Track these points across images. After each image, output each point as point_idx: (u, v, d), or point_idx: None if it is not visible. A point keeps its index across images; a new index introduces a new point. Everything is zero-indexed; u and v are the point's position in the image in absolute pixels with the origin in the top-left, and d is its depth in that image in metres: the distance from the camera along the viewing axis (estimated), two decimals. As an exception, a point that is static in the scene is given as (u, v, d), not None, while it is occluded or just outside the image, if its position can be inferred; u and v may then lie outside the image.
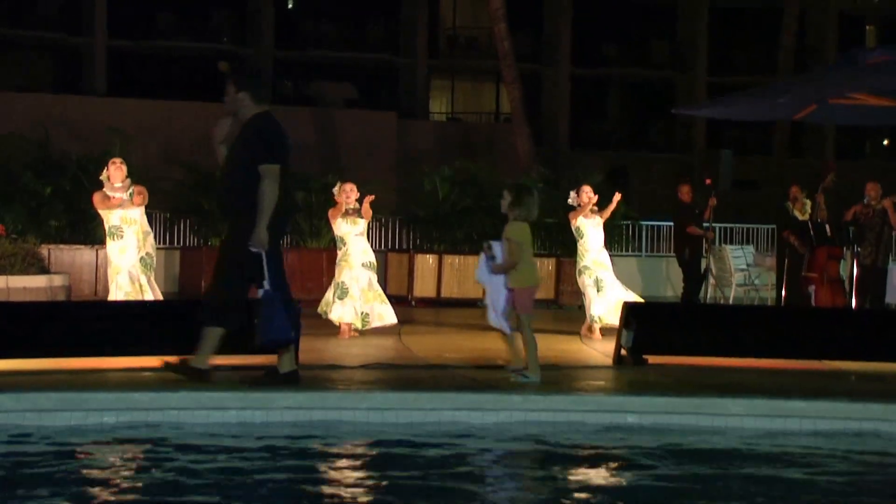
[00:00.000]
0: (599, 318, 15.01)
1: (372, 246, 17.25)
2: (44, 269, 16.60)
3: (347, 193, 14.71)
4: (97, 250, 19.11)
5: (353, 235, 14.75)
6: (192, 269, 20.42)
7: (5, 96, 33.83)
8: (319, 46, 41.53)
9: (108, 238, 13.38)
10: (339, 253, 14.84)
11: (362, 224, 14.82)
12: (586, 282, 15.18)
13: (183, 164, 21.79)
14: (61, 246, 19.65)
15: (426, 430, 9.45)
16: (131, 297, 13.05)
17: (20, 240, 16.91)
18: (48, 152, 20.98)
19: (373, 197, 14.83)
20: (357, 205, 14.78)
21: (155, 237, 21.45)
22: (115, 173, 13.32)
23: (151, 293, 13.34)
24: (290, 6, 42.86)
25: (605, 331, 14.92)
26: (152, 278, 13.46)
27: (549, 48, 43.56)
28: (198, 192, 21.19)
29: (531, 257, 11.01)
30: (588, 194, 15.22)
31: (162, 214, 21.74)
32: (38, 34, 38.82)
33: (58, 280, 16.26)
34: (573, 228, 15.40)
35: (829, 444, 9.41)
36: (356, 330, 14.72)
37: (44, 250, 18.07)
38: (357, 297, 14.64)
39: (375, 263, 14.99)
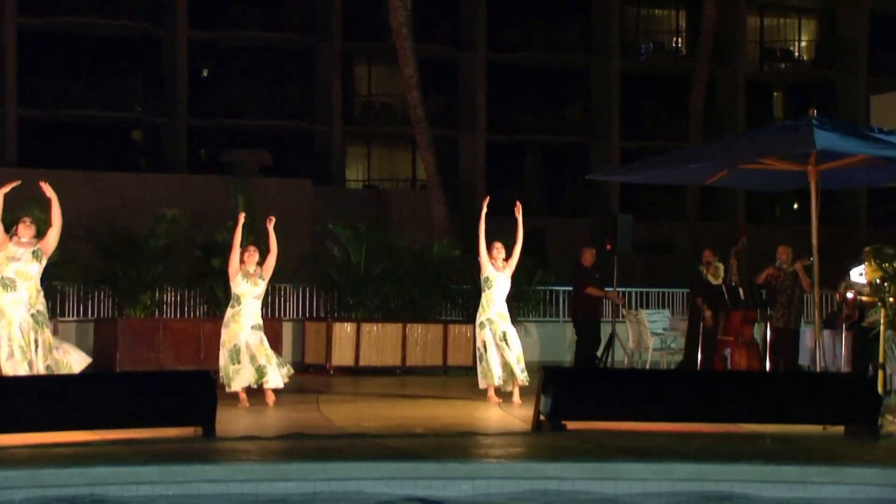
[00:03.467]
0: (500, 377, 15.07)
1: (289, 314, 17.20)
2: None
3: (251, 253, 14.70)
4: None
5: (251, 297, 14.66)
6: (106, 341, 20.06)
7: (-86, 168, 33.29)
8: (234, 114, 41.44)
9: None
10: (230, 312, 14.68)
11: (262, 287, 14.76)
12: (486, 336, 15.18)
13: (98, 233, 21.45)
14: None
15: (343, 501, 9.41)
16: (24, 350, 12.75)
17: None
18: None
19: (273, 219, 14.81)
20: (258, 267, 14.74)
21: (68, 309, 21.02)
22: (24, 231, 13.28)
23: (60, 349, 13.11)
24: (204, 74, 42.80)
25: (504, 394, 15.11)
26: (53, 337, 13.18)
27: (465, 114, 43.83)
28: (113, 262, 20.90)
29: None
30: (498, 248, 15.49)
31: (77, 285, 21.37)
32: (-54, 104, 38.34)
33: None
34: (482, 278, 15.50)
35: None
36: (253, 385, 14.56)
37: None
38: (247, 358, 14.52)
39: (262, 326, 14.91)
